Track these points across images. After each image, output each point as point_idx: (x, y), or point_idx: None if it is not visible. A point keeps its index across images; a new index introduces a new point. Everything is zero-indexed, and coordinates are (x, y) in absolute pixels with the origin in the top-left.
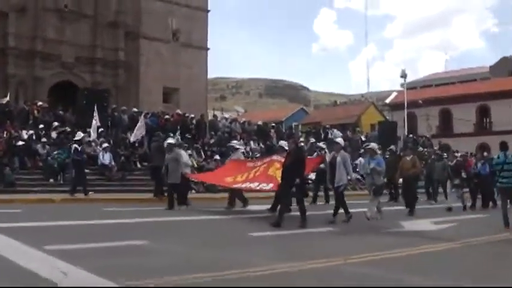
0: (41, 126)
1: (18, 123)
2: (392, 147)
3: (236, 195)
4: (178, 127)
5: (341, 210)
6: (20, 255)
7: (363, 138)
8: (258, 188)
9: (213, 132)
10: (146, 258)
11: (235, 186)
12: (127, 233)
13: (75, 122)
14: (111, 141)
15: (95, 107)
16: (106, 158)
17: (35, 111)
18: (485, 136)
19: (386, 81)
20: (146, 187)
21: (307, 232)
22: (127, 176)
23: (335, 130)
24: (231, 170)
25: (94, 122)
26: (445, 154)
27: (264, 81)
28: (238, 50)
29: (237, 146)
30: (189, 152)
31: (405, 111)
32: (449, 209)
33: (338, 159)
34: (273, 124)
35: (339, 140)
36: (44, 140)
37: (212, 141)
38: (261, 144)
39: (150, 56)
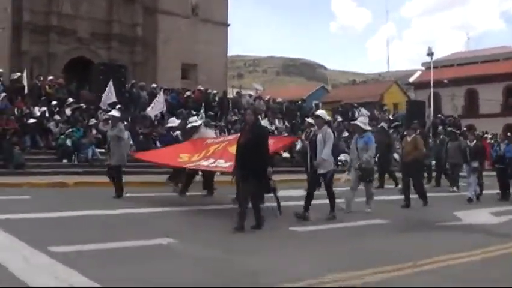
0: (54, 102)
1: (30, 99)
2: (383, 124)
3: (207, 179)
4: (202, 104)
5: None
6: (16, 260)
7: (391, 118)
8: (213, 165)
9: (236, 110)
10: (181, 265)
11: (187, 166)
12: (149, 226)
13: (92, 98)
14: (129, 119)
15: (111, 82)
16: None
17: (47, 87)
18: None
19: (404, 60)
20: (169, 169)
21: (348, 227)
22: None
23: (362, 109)
24: (188, 148)
25: (104, 95)
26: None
27: (281, 60)
28: (256, 28)
29: (196, 124)
30: (214, 131)
31: (432, 90)
32: (470, 200)
33: (319, 137)
34: (299, 102)
35: (320, 112)
36: (57, 117)
37: (235, 118)
38: (287, 123)
39: (168, 31)
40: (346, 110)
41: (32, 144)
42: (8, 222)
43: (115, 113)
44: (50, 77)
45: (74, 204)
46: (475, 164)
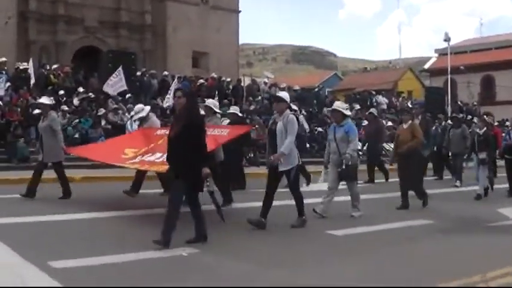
0: (62, 92)
1: (36, 90)
2: (373, 110)
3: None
4: (216, 92)
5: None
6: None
7: (410, 106)
8: (160, 160)
9: (251, 98)
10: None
11: (127, 163)
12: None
13: (100, 87)
14: None
15: (120, 69)
16: (134, 128)
17: (52, 76)
18: None
19: (414, 47)
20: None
21: (390, 229)
22: None
23: (380, 96)
24: (135, 140)
25: (110, 81)
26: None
27: (290, 48)
28: (264, 16)
29: (142, 114)
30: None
31: (449, 76)
32: (479, 197)
33: (279, 125)
34: (316, 89)
35: (283, 94)
36: (64, 107)
37: (252, 107)
38: (304, 111)
39: (178, 19)
40: (364, 98)
41: (37, 136)
42: (4, 229)
43: (44, 100)
44: (55, 66)
45: (74, 204)
46: (483, 155)
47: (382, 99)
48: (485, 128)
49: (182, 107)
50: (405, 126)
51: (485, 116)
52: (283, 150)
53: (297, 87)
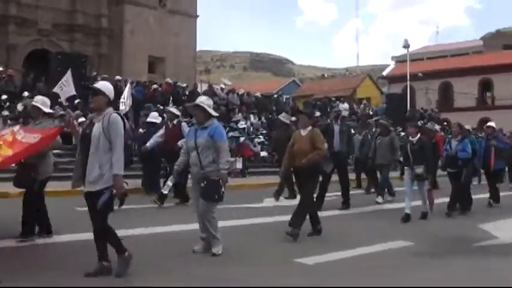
0: (4, 97)
1: None
2: (284, 114)
3: None
4: (170, 98)
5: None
6: None
7: (371, 113)
8: None
9: None
10: None
11: None
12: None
13: (47, 91)
14: (89, 115)
15: (69, 73)
16: None
17: None
18: (487, 111)
19: (371, 55)
20: (134, 171)
21: (366, 255)
22: None
23: (341, 103)
24: None
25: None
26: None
27: (248, 55)
28: (223, 23)
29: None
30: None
31: (408, 83)
32: (407, 217)
33: (95, 130)
34: (275, 95)
35: (203, 99)
36: (5, 113)
37: None
38: (263, 119)
39: (135, 23)
40: (324, 105)
41: None
42: None
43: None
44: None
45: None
46: (419, 169)
47: (344, 106)
48: (418, 135)
49: None
50: (303, 133)
51: (430, 123)
52: (99, 164)
53: (257, 94)
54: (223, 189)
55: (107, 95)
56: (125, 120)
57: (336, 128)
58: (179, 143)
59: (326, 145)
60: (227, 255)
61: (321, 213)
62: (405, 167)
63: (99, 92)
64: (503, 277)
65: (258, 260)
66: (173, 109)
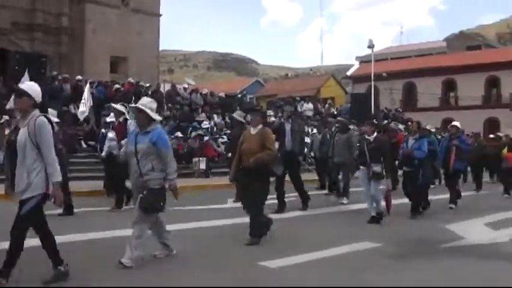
0: None
1: None
2: (238, 112)
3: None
4: (132, 98)
5: None
6: None
7: (335, 112)
8: None
9: (170, 104)
10: None
11: None
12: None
13: (5, 92)
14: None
15: (27, 74)
16: None
17: None
18: (450, 111)
19: (335, 54)
20: (94, 173)
21: (335, 257)
22: (69, 158)
23: (305, 103)
24: None
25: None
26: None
27: (212, 55)
28: (186, 23)
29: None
30: None
31: (372, 83)
32: (375, 220)
33: (21, 135)
34: (239, 95)
35: (145, 101)
36: None
37: (168, 113)
38: (227, 118)
39: (97, 22)
40: (288, 104)
41: None
42: None
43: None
44: None
45: None
46: (377, 168)
47: (308, 106)
48: (375, 134)
49: None
50: (253, 131)
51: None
52: (26, 170)
53: (221, 94)
54: (164, 200)
55: (33, 97)
56: (53, 123)
57: (288, 127)
58: (122, 142)
59: (277, 145)
60: (190, 259)
61: (282, 215)
62: (362, 166)
63: (23, 94)
64: (470, 279)
65: (221, 263)
66: (118, 106)
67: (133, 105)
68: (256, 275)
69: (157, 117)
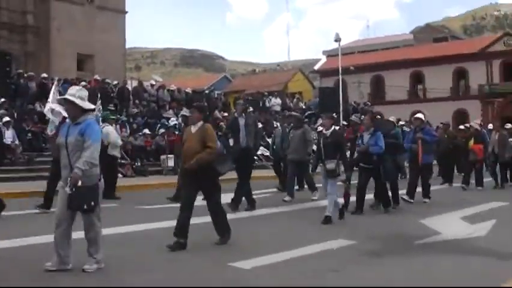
0: None
1: None
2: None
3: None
4: (98, 95)
5: None
6: None
7: (304, 107)
8: None
9: (137, 101)
10: None
11: None
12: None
13: None
14: (15, 115)
15: None
16: (8, 136)
17: None
18: (419, 103)
19: (301, 49)
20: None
21: (310, 255)
22: (36, 158)
23: (273, 98)
24: None
25: None
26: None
27: (179, 51)
28: (152, 20)
29: None
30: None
31: (340, 77)
32: (328, 219)
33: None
34: (206, 91)
35: (73, 91)
36: None
37: (135, 110)
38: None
39: (62, 19)
40: (256, 100)
41: None
42: None
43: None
44: None
45: None
46: (331, 165)
47: (276, 101)
48: (332, 128)
49: None
50: (193, 129)
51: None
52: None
53: (188, 90)
54: (95, 199)
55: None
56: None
57: (242, 121)
58: (48, 130)
59: (219, 143)
60: (156, 260)
61: (251, 213)
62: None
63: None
64: (445, 275)
65: (190, 264)
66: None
67: (61, 97)
68: (231, 276)
69: (88, 106)
